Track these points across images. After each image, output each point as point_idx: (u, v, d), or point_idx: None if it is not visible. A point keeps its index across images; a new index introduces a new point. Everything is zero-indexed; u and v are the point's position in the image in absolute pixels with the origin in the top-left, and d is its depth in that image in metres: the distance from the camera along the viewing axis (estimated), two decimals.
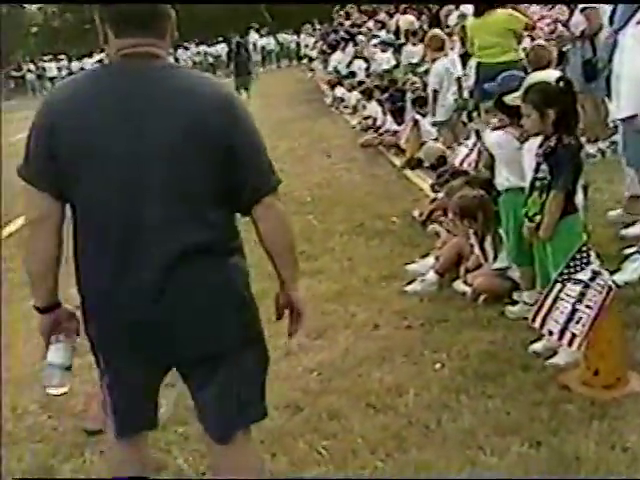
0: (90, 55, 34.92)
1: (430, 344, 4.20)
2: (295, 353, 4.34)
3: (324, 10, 28.27)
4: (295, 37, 34.84)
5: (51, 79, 35.43)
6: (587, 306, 3.33)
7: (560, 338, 3.41)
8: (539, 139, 3.76)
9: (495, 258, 4.70)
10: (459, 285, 4.90)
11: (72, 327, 2.38)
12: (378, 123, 11.26)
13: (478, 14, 7.83)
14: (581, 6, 7.58)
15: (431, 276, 5.02)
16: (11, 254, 6.73)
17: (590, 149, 7.08)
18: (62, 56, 36.66)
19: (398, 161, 9.51)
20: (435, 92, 8.82)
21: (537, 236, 3.73)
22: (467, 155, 6.02)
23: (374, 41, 15.97)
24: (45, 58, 37.97)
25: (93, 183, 2.15)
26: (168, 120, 2.14)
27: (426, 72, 10.35)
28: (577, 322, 3.35)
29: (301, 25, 32.74)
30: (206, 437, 2.43)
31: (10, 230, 7.89)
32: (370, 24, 18.20)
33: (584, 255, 3.34)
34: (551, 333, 3.47)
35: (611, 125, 7.02)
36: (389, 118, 10.72)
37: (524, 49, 7.64)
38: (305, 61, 27.62)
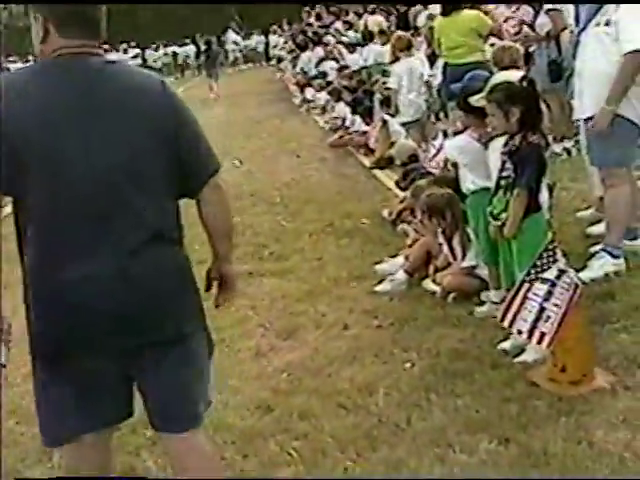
0: None
1: (400, 343, 4.22)
2: (265, 353, 4.34)
3: (293, 11, 28.31)
4: (263, 38, 34.77)
5: None
6: (555, 304, 3.36)
7: (529, 337, 3.44)
8: (504, 138, 3.80)
9: (464, 257, 4.73)
10: (428, 284, 4.93)
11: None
12: (347, 123, 11.28)
13: (446, 14, 7.88)
14: (546, 7, 7.67)
15: (400, 275, 5.04)
16: None
17: (556, 148, 7.16)
18: (30, 57, 36.19)
19: (367, 161, 9.54)
20: (396, 92, 8.89)
21: (502, 235, 3.76)
22: (434, 155, 6.06)
23: (343, 39, 16.03)
24: (10, 59, 37.45)
25: (51, 177, 2.17)
26: (121, 115, 2.24)
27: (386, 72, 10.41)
28: (546, 320, 3.38)
29: (269, 26, 32.72)
30: (159, 427, 2.45)
31: None
32: (338, 25, 18.23)
33: (550, 254, 3.37)
34: (520, 332, 3.49)
35: (577, 124, 7.10)
36: (358, 118, 10.74)
37: (491, 45, 7.70)
38: (274, 62, 27.57)
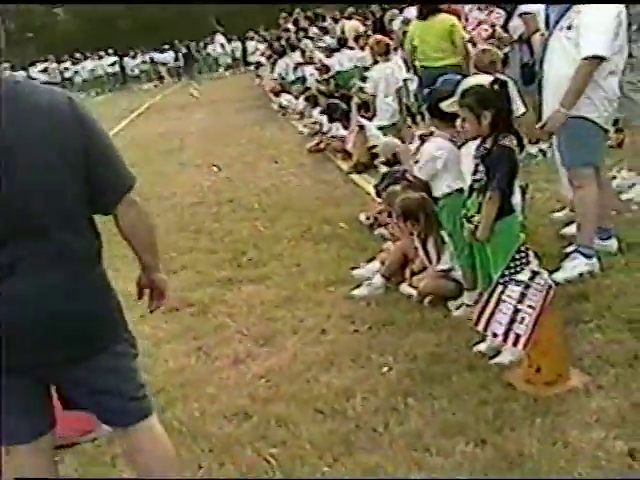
0: (33, 64, 34.38)
1: (377, 347, 4.23)
2: (243, 360, 4.33)
3: (270, 16, 28.32)
4: (239, 44, 34.75)
5: None
6: (529, 306, 3.39)
7: (505, 339, 3.47)
8: (476, 142, 3.83)
9: (439, 260, 4.75)
10: (405, 288, 4.95)
11: None
12: (324, 129, 11.29)
13: (422, 17, 7.90)
14: (519, 11, 7.72)
15: (377, 280, 5.05)
16: None
17: (531, 150, 7.20)
18: (6, 64, 35.91)
19: (345, 165, 9.55)
20: (373, 96, 8.94)
21: (476, 238, 3.79)
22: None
23: (319, 44, 16.06)
24: None
25: None
26: (30, 136, 2.23)
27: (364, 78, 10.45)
28: (521, 322, 3.40)
29: (246, 31, 32.71)
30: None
31: None
32: (314, 30, 18.26)
33: (523, 255, 3.40)
34: (495, 335, 3.52)
35: None
36: (335, 123, 10.75)
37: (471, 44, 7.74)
38: (252, 67, 27.56)
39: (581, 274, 4.58)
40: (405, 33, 8.87)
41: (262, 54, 24.14)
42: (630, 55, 4.94)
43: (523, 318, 3.37)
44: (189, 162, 11.75)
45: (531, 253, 3.42)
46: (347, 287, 5.21)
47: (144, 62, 35.89)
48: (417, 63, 8.47)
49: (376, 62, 9.19)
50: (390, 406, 3.59)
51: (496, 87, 3.67)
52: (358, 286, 5.12)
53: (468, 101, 3.73)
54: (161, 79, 35.38)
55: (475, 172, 3.73)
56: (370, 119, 9.37)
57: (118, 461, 3.41)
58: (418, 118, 8.24)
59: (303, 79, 16.16)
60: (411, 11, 10.88)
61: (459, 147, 4.11)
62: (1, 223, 2.21)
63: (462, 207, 3.91)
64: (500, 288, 3.43)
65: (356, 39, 13.55)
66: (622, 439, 3.04)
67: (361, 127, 9.21)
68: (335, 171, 9.58)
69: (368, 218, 6.55)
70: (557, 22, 4.58)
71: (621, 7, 4.49)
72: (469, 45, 7.95)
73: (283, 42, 19.57)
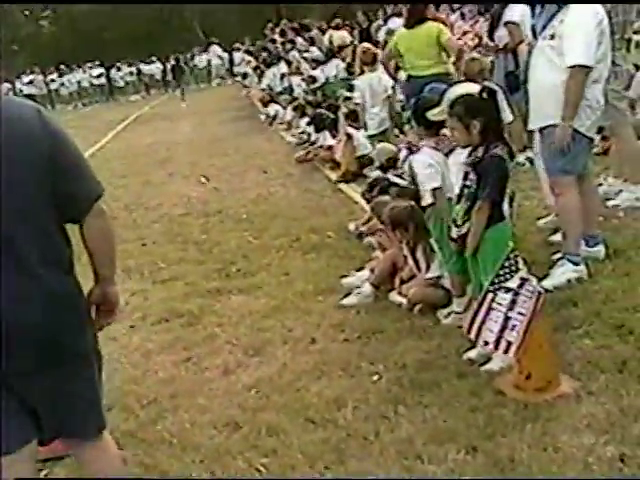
0: (19, 76, 34.29)
1: (367, 356, 4.23)
2: (233, 370, 4.32)
3: (256, 27, 28.40)
4: (226, 55, 34.79)
5: None
6: (519, 313, 3.40)
7: (496, 347, 3.47)
8: (465, 150, 3.84)
9: (428, 268, 4.77)
10: (394, 296, 4.95)
11: None
12: (312, 139, 11.31)
13: (409, 26, 7.93)
14: (504, 20, 7.79)
15: (367, 288, 5.06)
16: None
17: (519, 158, 7.25)
18: None
19: (333, 175, 9.57)
20: (361, 105, 8.98)
21: (464, 245, 3.80)
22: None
23: (306, 55, 16.13)
24: None
25: None
26: (2, 149, 2.24)
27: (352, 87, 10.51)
28: (511, 329, 3.41)
29: (233, 42, 32.78)
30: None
31: None
32: (299, 40, 18.32)
33: (512, 263, 3.41)
34: (487, 343, 3.52)
35: None
36: (322, 133, 10.78)
37: (453, 63, 7.80)
38: (239, 78, 27.60)
39: (569, 280, 4.61)
40: (386, 43, 8.90)
41: (248, 64, 24.17)
42: (613, 63, 4.98)
43: (514, 325, 3.38)
44: (177, 173, 11.74)
45: (520, 260, 3.44)
46: (336, 296, 5.21)
47: (131, 74, 35.86)
48: (402, 73, 8.51)
49: (362, 72, 9.21)
50: (381, 414, 3.59)
51: (485, 96, 3.68)
52: (347, 295, 5.12)
53: (457, 110, 3.74)
54: (148, 90, 35.37)
55: (465, 178, 3.74)
56: (358, 129, 9.40)
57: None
58: (406, 127, 8.27)
59: (290, 89, 16.21)
60: (395, 21, 10.98)
61: (446, 155, 4.13)
62: None
63: (450, 214, 3.92)
64: (490, 296, 3.44)
65: (339, 49, 13.63)
66: (612, 444, 3.05)
67: (349, 136, 9.24)
68: (323, 181, 9.60)
69: (357, 227, 6.56)
70: (541, 31, 4.62)
71: (603, 16, 4.53)
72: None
73: (270, 53, 19.63)
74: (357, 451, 3.32)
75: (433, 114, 3.94)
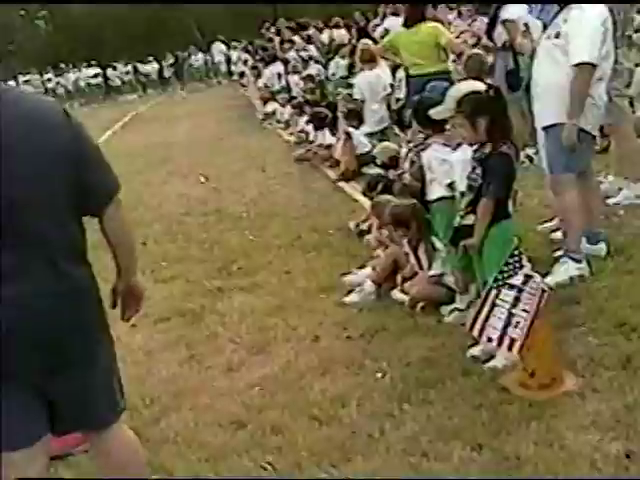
0: (16, 77, 34.22)
1: (371, 354, 4.23)
2: (236, 369, 4.32)
3: (254, 27, 28.39)
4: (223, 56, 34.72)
5: None
6: (523, 310, 3.41)
7: (499, 344, 3.49)
8: (469, 148, 3.85)
9: (430, 266, 4.77)
10: (397, 294, 4.95)
11: None
12: (311, 137, 11.31)
13: (408, 25, 7.94)
14: (502, 18, 7.79)
15: (368, 286, 5.06)
16: None
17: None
18: None
19: (333, 174, 9.56)
20: (362, 103, 8.98)
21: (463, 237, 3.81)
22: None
23: (303, 54, 16.14)
24: None
25: None
26: (24, 142, 2.28)
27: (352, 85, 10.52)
28: (515, 326, 3.42)
29: (230, 42, 32.73)
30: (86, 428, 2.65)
31: None
32: (296, 39, 18.32)
33: (516, 260, 3.42)
34: (490, 340, 3.53)
35: None
36: (321, 132, 10.77)
37: (453, 60, 7.82)
38: (236, 77, 27.56)
39: (572, 278, 4.62)
40: (375, 42, 8.91)
41: (245, 63, 24.14)
42: (615, 61, 4.99)
43: (518, 322, 3.39)
44: (176, 172, 11.73)
45: (524, 257, 3.45)
46: (338, 294, 5.21)
47: (127, 73, 35.80)
48: (401, 71, 8.52)
49: (362, 70, 9.22)
50: (385, 412, 3.59)
51: (491, 93, 3.69)
52: (349, 292, 5.12)
53: (464, 108, 3.75)
54: (144, 90, 35.31)
55: (472, 172, 3.74)
56: (357, 127, 9.40)
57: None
58: (406, 124, 8.26)
59: (288, 88, 16.20)
60: (392, 20, 10.98)
61: (454, 148, 4.13)
62: None
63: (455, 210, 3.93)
64: (494, 292, 3.45)
65: (338, 48, 13.65)
66: (618, 441, 3.05)
67: (349, 135, 9.24)
68: (322, 179, 9.60)
69: (357, 225, 6.56)
70: (545, 30, 4.64)
71: (607, 14, 4.54)
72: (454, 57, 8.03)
73: (268, 52, 19.62)
74: (362, 449, 3.32)
75: (435, 112, 3.94)
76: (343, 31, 15.47)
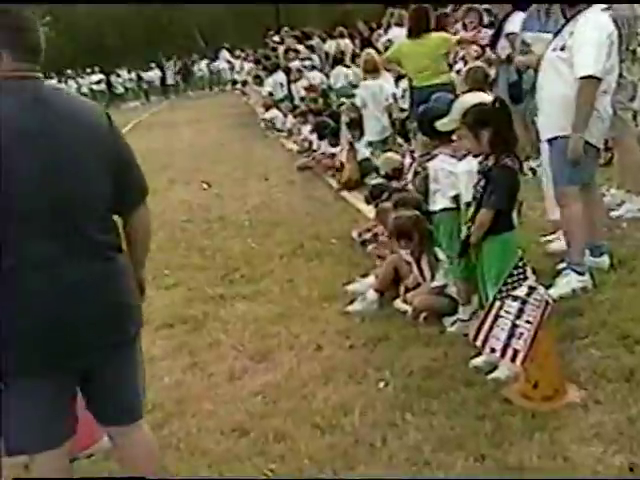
0: None
1: (373, 363, 4.24)
2: (239, 376, 4.33)
3: (257, 35, 28.50)
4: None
5: None
6: (527, 321, 3.41)
7: (503, 355, 3.49)
8: (474, 160, 3.87)
9: (432, 276, 4.78)
10: (399, 304, 4.96)
11: None
12: (314, 146, 11.33)
13: (414, 36, 7.96)
14: (506, 31, 7.83)
15: (371, 294, 5.07)
16: None
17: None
18: None
19: (335, 183, 9.59)
20: (363, 109, 9.03)
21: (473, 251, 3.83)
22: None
23: (305, 63, 16.20)
24: None
25: (23, 197, 2.31)
26: (72, 137, 2.42)
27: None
28: (519, 338, 3.43)
29: (233, 50, 32.83)
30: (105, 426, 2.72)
31: None
32: (300, 47, 18.38)
33: (520, 271, 3.43)
34: (493, 350, 3.54)
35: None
36: (325, 141, 10.81)
37: (458, 72, 7.85)
38: (239, 86, 27.63)
39: (574, 290, 4.63)
40: (378, 53, 8.94)
41: (248, 73, 24.19)
42: (620, 75, 5.02)
43: (521, 333, 3.39)
44: (178, 179, 11.74)
45: (528, 269, 3.46)
46: (341, 303, 5.22)
47: (130, 80, 35.92)
48: (405, 82, 8.55)
49: (365, 79, 9.26)
50: (388, 421, 3.60)
51: (497, 105, 3.71)
52: (352, 301, 5.13)
53: (467, 119, 3.78)
54: (147, 97, 35.40)
55: (477, 183, 3.77)
56: (359, 138, 9.43)
57: (114, 476, 3.38)
58: (410, 135, 8.30)
59: (291, 97, 16.24)
60: (395, 32, 11.02)
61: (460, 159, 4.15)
62: (42, 219, 2.34)
63: (458, 222, 3.95)
64: (498, 304, 3.46)
65: (342, 57, 13.69)
66: (621, 454, 3.06)
67: (351, 144, 9.26)
68: (325, 188, 9.62)
69: (360, 235, 6.58)
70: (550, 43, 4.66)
71: (612, 28, 4.57)
72: (461, 63, 8.06)
73: (271, 60, 19.67)
74: (365, 457, 3.33)
75: (441, 124, 3.96)
76: (347, 41, 15.50)
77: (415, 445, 3.35)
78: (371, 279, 5.31)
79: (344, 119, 10.14)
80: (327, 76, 14.49)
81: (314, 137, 11.31)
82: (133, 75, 36.05)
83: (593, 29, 4.49)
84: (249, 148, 14.08)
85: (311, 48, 17.89)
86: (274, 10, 32.35)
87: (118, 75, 35.94)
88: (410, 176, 5.96)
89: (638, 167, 6.06)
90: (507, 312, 3.45)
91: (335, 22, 21.81)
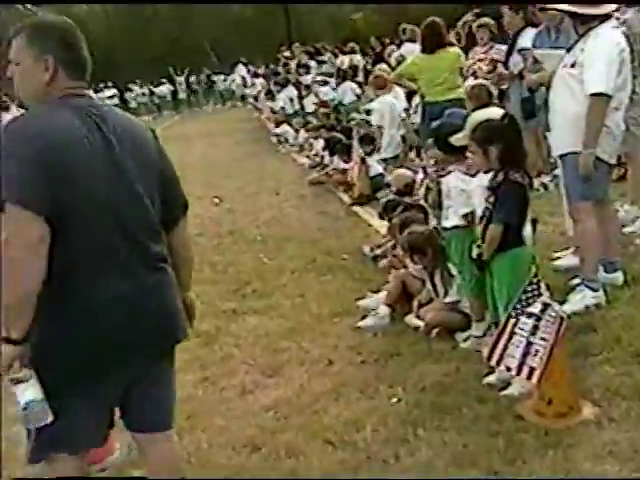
0: None
1: (385, 378, 4.23)
2: (250, 391, 4.32)
3: (268, 50, 28.67)
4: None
5: None
6: (542, 338, 3.39)
7: (518, 373, 3.47)
8: (485, 176, 3.87)
9: (446, 292, 4.77)
10: (412, 319, 4.95)
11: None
12: (326, 161, 11.35)
13: (429, 51, 7.98)
14: (518, 47, 7.84)
15: (382, 309, 5.06)
16: None
17: (534, 183, 7.25)
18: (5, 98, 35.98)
19: (347, 198, 9.59)
20: (380, 128, 8.99)
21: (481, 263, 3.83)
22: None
23: (317, 78, 16.29)
24: None
25: (87, 206, 2.38)
26: (133, 150, 2.51)
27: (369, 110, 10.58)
28: (534, 355, 3.40)
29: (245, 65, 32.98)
30: (138, 433, 2.73)
31: None
32: (312, 63, 18.49)
33: (535, 288, 3.41)
34: (509, 369, 3.51)
35: (552, 160, 7.23)
36: (336, 157, 10.82)
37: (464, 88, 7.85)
38: (250, 100, 27.76)
39: (587, 306, 4.60)
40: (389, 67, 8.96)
41: (262, 88, 24.31)
42: (633, 91, 5.01)
43: (537, 350, 3.37)
44: (189, 193, 11.44)
45: (542, 285, 3.44)
46: (352, 318, 5.21)
47: (143, 94, 36.16)
48: (417, 98, 8.56)
49: (377, 96, 9.29)
50: (400, 437, 3.58)
51: (506, 121, 3.71)
52: (364, 317, 5.12)
53: (476, 135, 3.78)
54: (160, 111, 35.63)
55: (487, 201, 3.77)
56: (370, 153, 9.44)
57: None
58: (421, 151, 8.30)
59: (303, 112, 16.32)
60: (408, 47, 11.06)
61: (471, 176, 4.15)
62: (104, 231, 2.42)
63: (471, 238, 3.94)
64: (512, 321, 3.44)
65: (354, 73, 13.77)
66: (637, 472, 3.03)
67: (363, 160, 9.27)
68: (336, 203, 9.63)
69: (372, 250, 6.57)
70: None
71: (624, 44, 4.57)
72: (471, 78, 8.07)
73: (281, 76, 19.80)
74: (378, 474, 3.32)
75: (456, 139, 3.96)
76: (358, 56, 15.58)
77: (428, 462, 3.34)
78: (383, 294, 5.29)
79: (356, 134, 10.17)
80: (338, 92, 14.57)
81: (326, 153, 11.32)
82: (145, 90, 36.29)
83: (604, 46, 4.49)
84: (261, 163, 14.13)
85: (323, 63, 18.00)
86: (285, 25, 32.53)
87: (131, 90, 36.19)
88: (422, 192, 5.95)
89: None
90: (521, 329, 3.43)
91: (346, 38, 21.97)
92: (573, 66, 4.61)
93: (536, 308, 3.40)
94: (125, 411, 2.68)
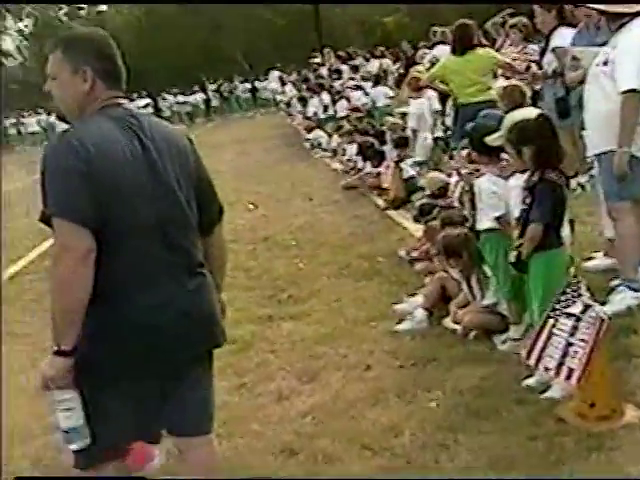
0: None
1: (423, 383, 4.19)
2: (287, 397, 4.31)
3: (301, 55, 28.75)
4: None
5: (32, 134, 35.91)
6: (581, 339, 3.34)
7: (557, 373, 3.42)
8: (522, 176, 3.83)
9: (483, 295, 4.72)
10: (449, 323, 4.91)
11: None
12: (359, 165, 11.33)
13: (460, 53, 7.93)
14: (552, 46, 7.74)
15: (419, 313, 5.02)
16: None
17: (571, 183, 7.16)
18: (40, 109, 36.64)
19: (381, 202, 9.56)
20: (414, 132, 8.94)
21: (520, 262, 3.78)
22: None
23: (349, 83, 16.31)
24: (24, 114, 38.09)
25: (130, 215, 2.44)
26: (169, 158, 2.54)
27: (404, 114, 10.54)
28: (573, 356, 3.35)
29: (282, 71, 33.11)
30: (179, 437, 2.73)
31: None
32: (344, 67, 18.51)
33: (575, 288, 3.36)
34: (547, 369, 3.47)
35: (589, 160, 7.14)
36: (369, 162, 10.79)
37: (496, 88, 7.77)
38: (283, 106, 27.85)
39: (629, 307, 4.52)
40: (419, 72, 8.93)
41: (292, 95, 24.38)
42: None
43: (576, 352, 3.32)
44: (223, 200, 11.67)
45: (583, 286, 3.38)
46: (389, 322, 5.18)
47: (177, 103, 36.57)
48: (450, 100, 8.51)
49: (412, 99, 9.26)
50: (439, 442, 3.54)
51: (541, 121, 3.67)
52: (401, 321, 5.09)
53: (511, 136, 3.75)
54: (192, 119, 35.98)
55: (524, 201, 3.73)
56: (404, 158, 9.40)
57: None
58: (454, 153, 8.24)
59: (335, 118, 16.33)
60: (440, 49, 11.00)
61: (506, 178, 4.11)
62: (149, 236, 2.47)
63: (505, 241, 3.90)
64: (551, 321, 3.39)
65: (384, 77, 13.77)
66: None
67: (397, 163, 9.23)
68: (370, 207, 9.60)
69: (408, 253, 6.53)
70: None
71: None
72: (502, 79, 7.99)
73: (311, 81, 19.86)
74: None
75: (491, 139, 3.93)
76: (389, 61, 15.57)
77: (467, 466, 3.29)
78: (419, 298, 5.26)
79: (389, 138, 10.14)
80: (367, 94, 14.56)
81: (359, 157, 11.30)
82: (180, 98, 36.70)
83: (634, 42, 4.42)
84: (293, 168, 14.15)
85: (355, 68, 18.01)
86: (316, 32, 32.58)
87: (164, 99, 36.61)
88: (457, 194, 5.90)
89: None
90: (561, 330, 3.38)
91: (377, 42, 21.98)
92: (605, 64, 4.55)
93: (576, 309, 3.34)
94: (166, 415, 2.69)
